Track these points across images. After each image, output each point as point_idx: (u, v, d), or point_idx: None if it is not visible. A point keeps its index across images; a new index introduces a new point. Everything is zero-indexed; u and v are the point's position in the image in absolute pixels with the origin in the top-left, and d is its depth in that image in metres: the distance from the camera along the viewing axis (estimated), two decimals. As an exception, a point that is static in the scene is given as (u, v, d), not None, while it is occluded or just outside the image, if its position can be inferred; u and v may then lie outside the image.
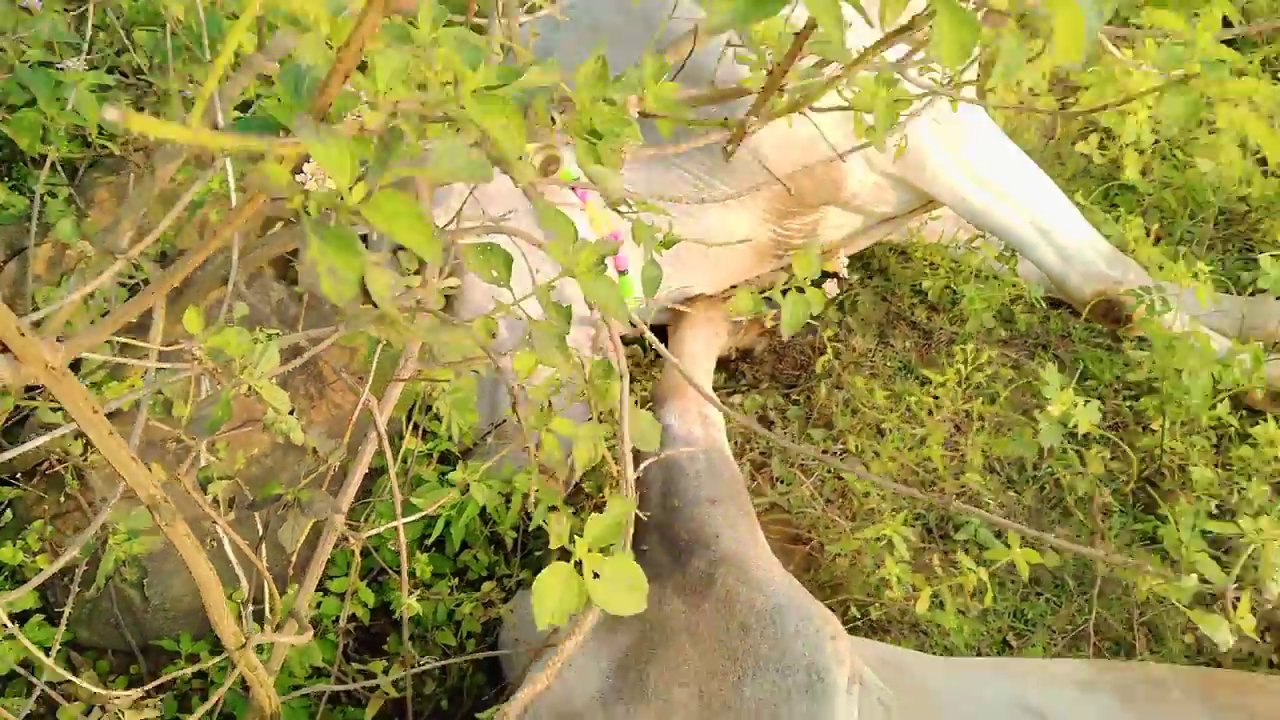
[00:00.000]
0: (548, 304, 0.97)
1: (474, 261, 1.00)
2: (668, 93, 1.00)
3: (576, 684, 1.16)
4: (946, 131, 1.94)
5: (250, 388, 0.88)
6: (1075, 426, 1.63)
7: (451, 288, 1.74)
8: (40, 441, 1.09)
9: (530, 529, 1.59)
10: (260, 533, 1.40)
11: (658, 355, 1.92)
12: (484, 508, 1.52)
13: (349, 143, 0.50)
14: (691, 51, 1.46)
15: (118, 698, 1.12)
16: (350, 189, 0.51)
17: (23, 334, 0.58)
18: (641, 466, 1.26)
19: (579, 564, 0.80)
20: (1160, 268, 2.06)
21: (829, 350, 2.00)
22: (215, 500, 1.11)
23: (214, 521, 0.95)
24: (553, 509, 1.36)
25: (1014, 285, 2.09)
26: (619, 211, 1.16)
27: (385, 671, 1.40)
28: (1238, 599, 1.02)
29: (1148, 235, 2.29)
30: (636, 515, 1.29)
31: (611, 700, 1.12)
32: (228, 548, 1.10)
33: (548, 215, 0.88)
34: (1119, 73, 1.47)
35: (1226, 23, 1.34)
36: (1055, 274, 1.97)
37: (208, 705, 1.04)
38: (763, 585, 1.23)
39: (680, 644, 1.17)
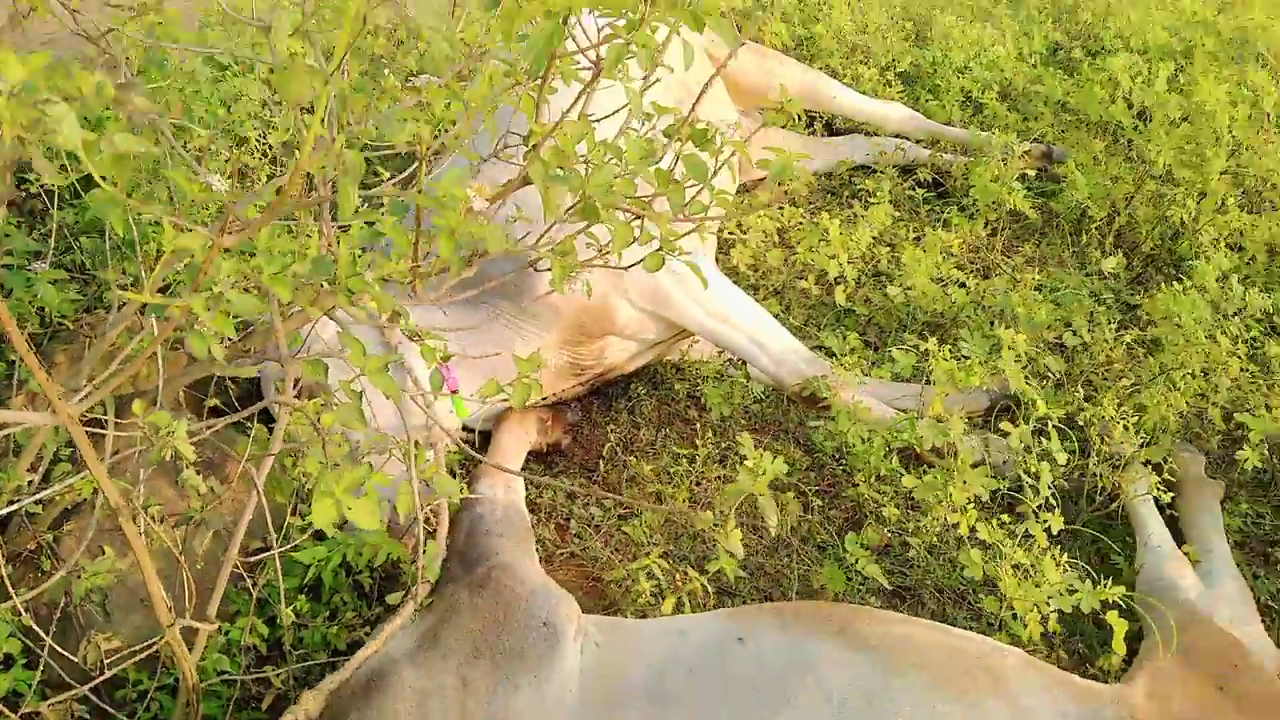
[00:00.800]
0: (376, 377, 1.63)
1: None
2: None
3: (395, 646, 1.77)
4: (683, 278, 2.69)
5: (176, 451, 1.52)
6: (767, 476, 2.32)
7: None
8: (51, 492, 1.69)
9: (383, 576, 2.20)
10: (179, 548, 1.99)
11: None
12: (346, 560, 2.13)
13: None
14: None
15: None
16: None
17: (60, 397, 1.22)
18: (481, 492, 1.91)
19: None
20: (871, 366, 2.84)
21: (613, 440, 2.69)
22: (151, 516, 1.72)
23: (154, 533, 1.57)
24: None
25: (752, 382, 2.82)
26: (412, 338, 1.85)
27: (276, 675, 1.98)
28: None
29: (866, 346, 3.07)
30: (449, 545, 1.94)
31: (414, 651, 1.73)
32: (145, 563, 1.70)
33: (346, 339, 1.56)
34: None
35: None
36: (771, 374, 2.72)
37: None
38: (523, 580, 1.87)
39: (463, 617, 1.79)
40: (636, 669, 1.70)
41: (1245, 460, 2.58)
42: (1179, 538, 2.51)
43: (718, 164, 1.84)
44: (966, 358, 2.57)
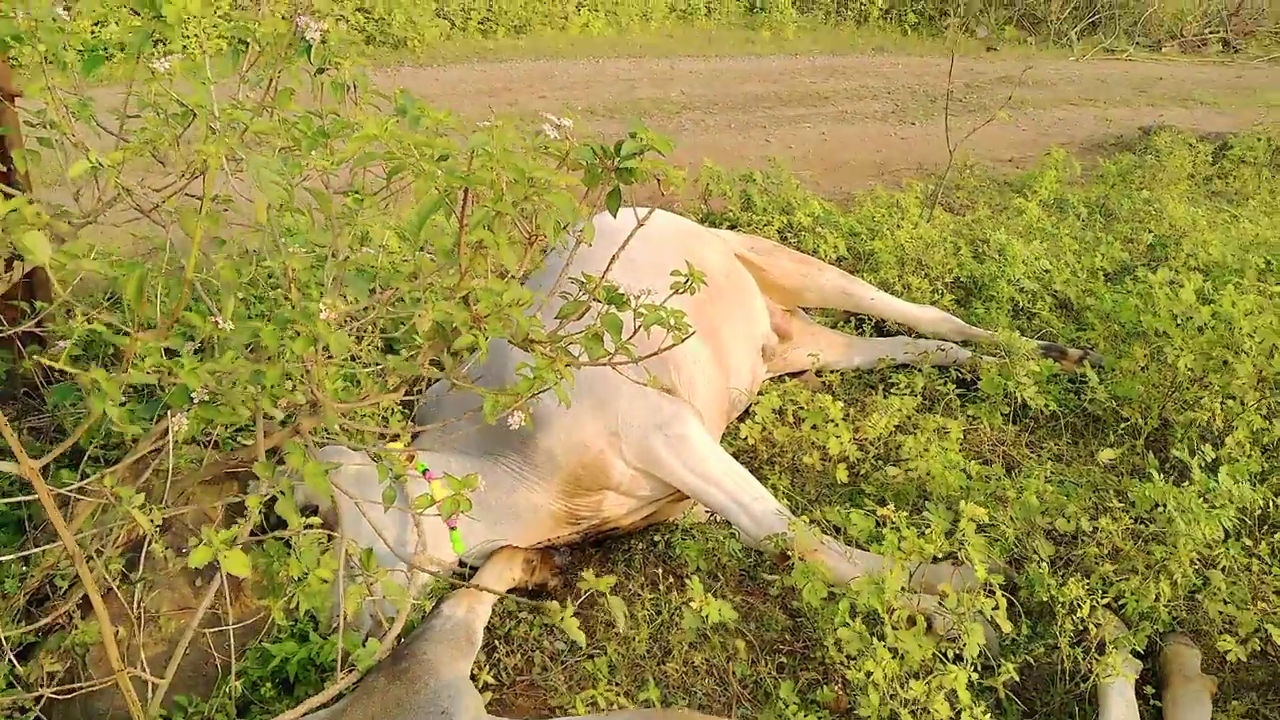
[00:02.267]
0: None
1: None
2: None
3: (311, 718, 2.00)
4: (673, 442, 2.95)
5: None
6: (710, 618, 2.46)
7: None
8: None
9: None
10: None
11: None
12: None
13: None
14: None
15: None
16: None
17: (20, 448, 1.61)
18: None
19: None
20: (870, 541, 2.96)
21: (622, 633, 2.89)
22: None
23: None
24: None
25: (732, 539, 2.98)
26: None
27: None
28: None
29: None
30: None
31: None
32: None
33: (381, 470, 1.91)
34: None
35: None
36: (750, 533, 2.87)
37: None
38: (438, 674, 2.08)
39: (372, 697, 2.01)
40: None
41: (1228, 652, 2.51)
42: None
43: (637, 324, 2.14)
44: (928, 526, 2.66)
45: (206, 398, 1.79)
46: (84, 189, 2.23)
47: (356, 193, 2.26)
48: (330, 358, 1.70)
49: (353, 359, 2.15)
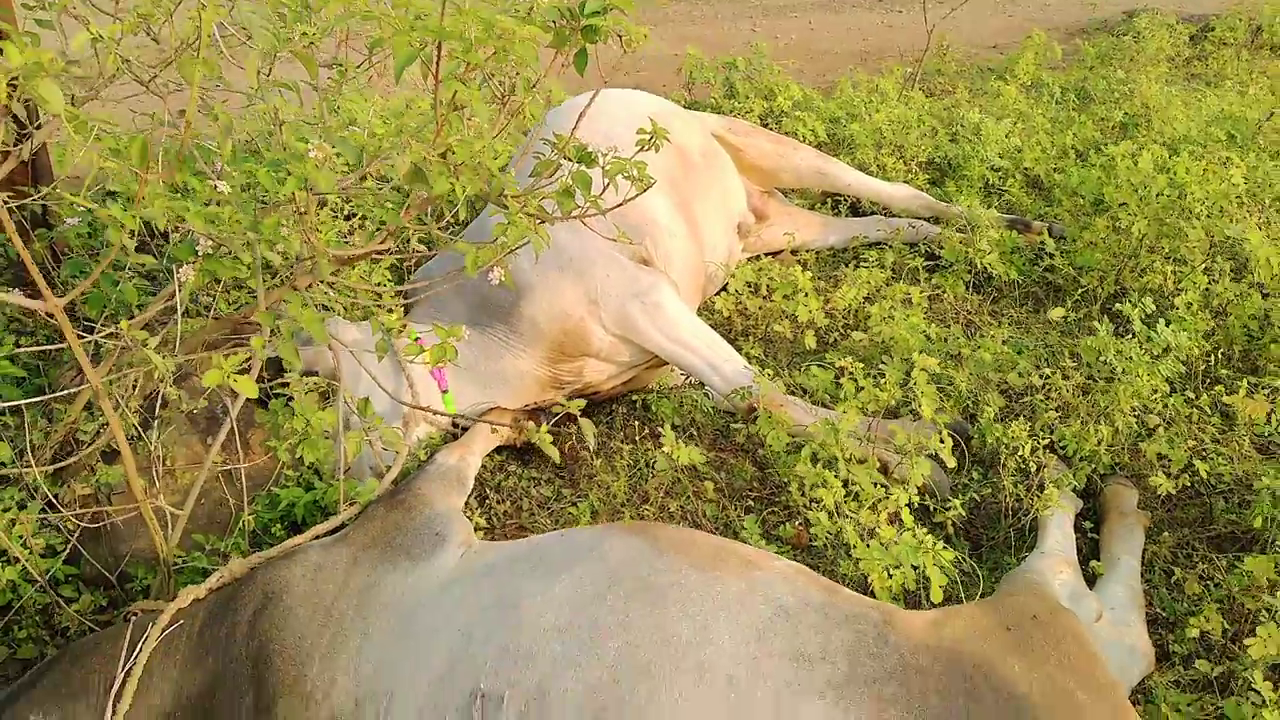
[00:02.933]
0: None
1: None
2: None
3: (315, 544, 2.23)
4: (649, 309, 3.13)
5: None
6: (680, 460, 2.68)
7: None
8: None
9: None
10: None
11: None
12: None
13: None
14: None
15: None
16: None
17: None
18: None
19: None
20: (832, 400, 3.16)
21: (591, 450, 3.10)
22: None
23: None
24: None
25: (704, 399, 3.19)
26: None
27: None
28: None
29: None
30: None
31: (326, 543, 2.18)
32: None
33: (374, 325, 2.09)
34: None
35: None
36: (720, 391, 3.08)
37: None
38: (431, 504, 2.30)
39: (372, 522, 2.22)
40: (502, 551, 2.09)
41: (1159, 486, 2.73)
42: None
43: (605, 180, 2.30)
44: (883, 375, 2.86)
45: (210, 250, 1.96)
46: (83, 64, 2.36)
47: (340, 65, 2.40)
48: (322, 199, 1.86)
49: (346, 219, 2.31)
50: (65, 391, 2.47)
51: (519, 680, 1.70)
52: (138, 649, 1.95)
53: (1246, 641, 2.13)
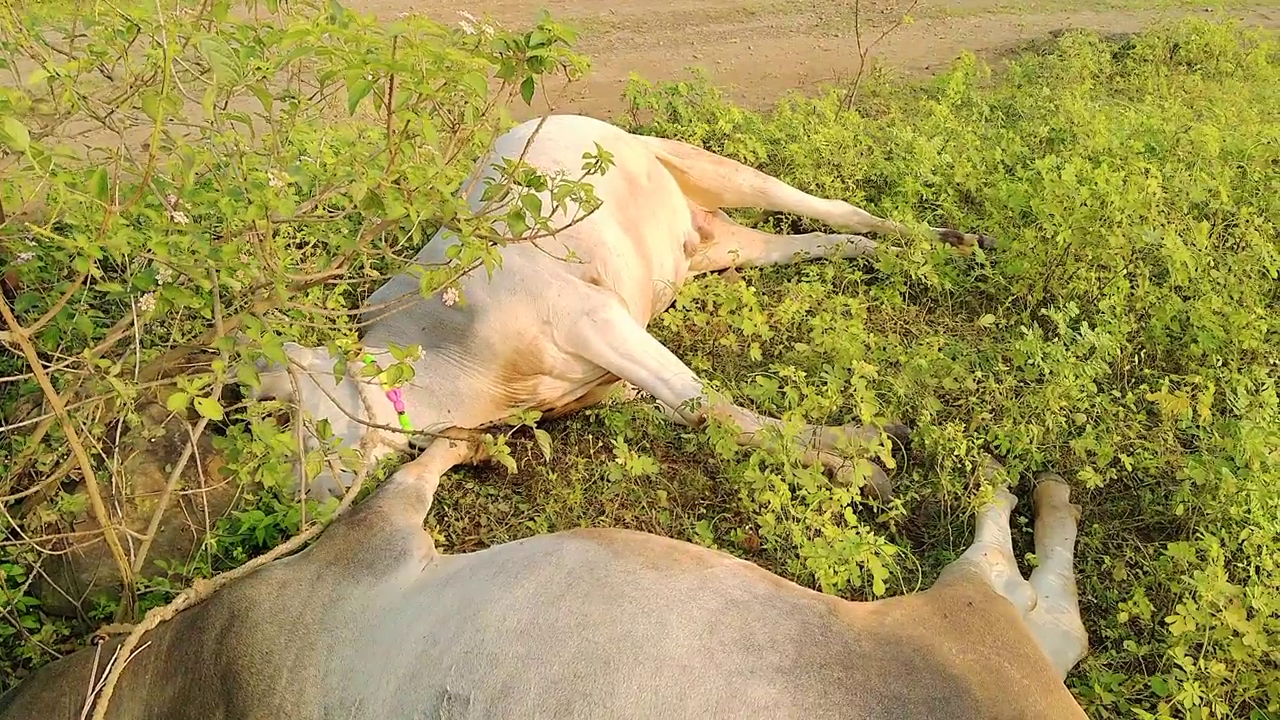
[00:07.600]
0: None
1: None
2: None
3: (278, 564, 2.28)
4: (600, 326, 3.23)
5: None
6: (634, 471, 2.77)
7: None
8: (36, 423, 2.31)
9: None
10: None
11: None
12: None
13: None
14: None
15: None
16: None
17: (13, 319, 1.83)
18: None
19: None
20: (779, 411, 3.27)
21: (545, 465, 3.18)
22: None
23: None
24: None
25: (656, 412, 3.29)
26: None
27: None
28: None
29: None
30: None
31: (290, 562, 2.24)
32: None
33: (331, 348, 2.15)
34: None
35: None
36: (671, 404, 3.18)
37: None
38: (391, 521, 2.36)
39: (334, 540, 2.29)
40: (462, 561, 2.17)
41: (1089, 481, 2.88)
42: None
43: (554, 203, 2.40)
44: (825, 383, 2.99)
45: (170, 279, 2.02)
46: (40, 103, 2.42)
47: (292, 97, 2.48)
48: (278, 226, 1.93)
49: (299, 247, 2.38)
50: (24, 423, 2.50)
51: (484, 680, 1.77)
52: (107, 670, 1.99)
53: (1168, 619, 2.26)
